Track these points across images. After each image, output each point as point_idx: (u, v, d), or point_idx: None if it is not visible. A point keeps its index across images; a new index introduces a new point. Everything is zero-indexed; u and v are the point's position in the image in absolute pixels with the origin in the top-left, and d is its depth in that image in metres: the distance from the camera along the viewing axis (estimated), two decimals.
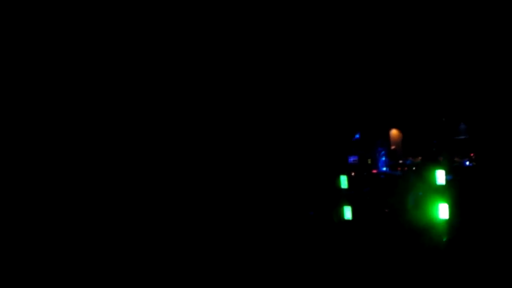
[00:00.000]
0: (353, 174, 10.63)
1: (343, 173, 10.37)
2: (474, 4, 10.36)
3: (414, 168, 10.56)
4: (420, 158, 10.83)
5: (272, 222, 9.85)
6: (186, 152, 10.34)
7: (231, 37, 10.54)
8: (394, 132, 11.44)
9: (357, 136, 11.84)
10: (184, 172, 10.15)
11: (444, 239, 8.91)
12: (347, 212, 10.02)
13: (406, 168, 10.76)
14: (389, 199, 9.98)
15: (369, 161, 11.02)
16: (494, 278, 7.69)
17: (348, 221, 9.98)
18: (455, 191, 9.44)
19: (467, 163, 10.29)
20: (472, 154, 10.30)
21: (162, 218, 9.35)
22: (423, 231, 9.13)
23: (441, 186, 9.45)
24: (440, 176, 9.49)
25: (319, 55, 11.09)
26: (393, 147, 11.44)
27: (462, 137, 10.71)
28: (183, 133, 10.37)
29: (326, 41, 11.05)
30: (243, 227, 9.59)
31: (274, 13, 10.51)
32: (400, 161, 11.05)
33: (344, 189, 10.28)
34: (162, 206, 9.57)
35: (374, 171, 10.96)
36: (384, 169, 11.02)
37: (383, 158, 11.05)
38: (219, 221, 9.64)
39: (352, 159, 11.21)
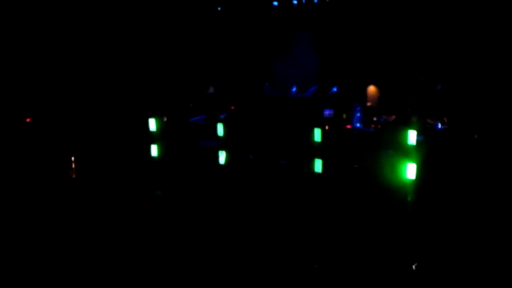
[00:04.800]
0: (327, 127, 10.64)
1: (318, 126, 10.35)
2: None
3: (387, 127, 10.63)
4: (394, 116, 10.89)
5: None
6: None
7: None
8: (371, 89, 11.45)
9: (335, 89, 11.80)
10: None
11: (409, 199, 9.11)
12: (318, 165, 10.12)
13: (379, 126, 10.81)
14: (360, 155, 10.08)
15: (344, 116, 11.02)
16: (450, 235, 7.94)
17: (317, 173, 10.09)
18: (424, 152, 9.57)
19: (439, 125, 10.39)
20: (445, 118, 10.38)
21: None
22: (390, 189, 9.30)
23: (412, 146, 9.55)
24: (412, 136, 9.58)
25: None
26: (369, 104, 11.46)
27: (434, 99, 10.77)
28: None
29: None
30: None
31: None
32: (375, 118, 11.08)
33: (317, 142, 10.30)
34: None
35: (348, 126, 10.99)
36: (358, 125, 11.05)
37: (358, 114, 11.05)
38: None
39: (327, 112, 11.19)
